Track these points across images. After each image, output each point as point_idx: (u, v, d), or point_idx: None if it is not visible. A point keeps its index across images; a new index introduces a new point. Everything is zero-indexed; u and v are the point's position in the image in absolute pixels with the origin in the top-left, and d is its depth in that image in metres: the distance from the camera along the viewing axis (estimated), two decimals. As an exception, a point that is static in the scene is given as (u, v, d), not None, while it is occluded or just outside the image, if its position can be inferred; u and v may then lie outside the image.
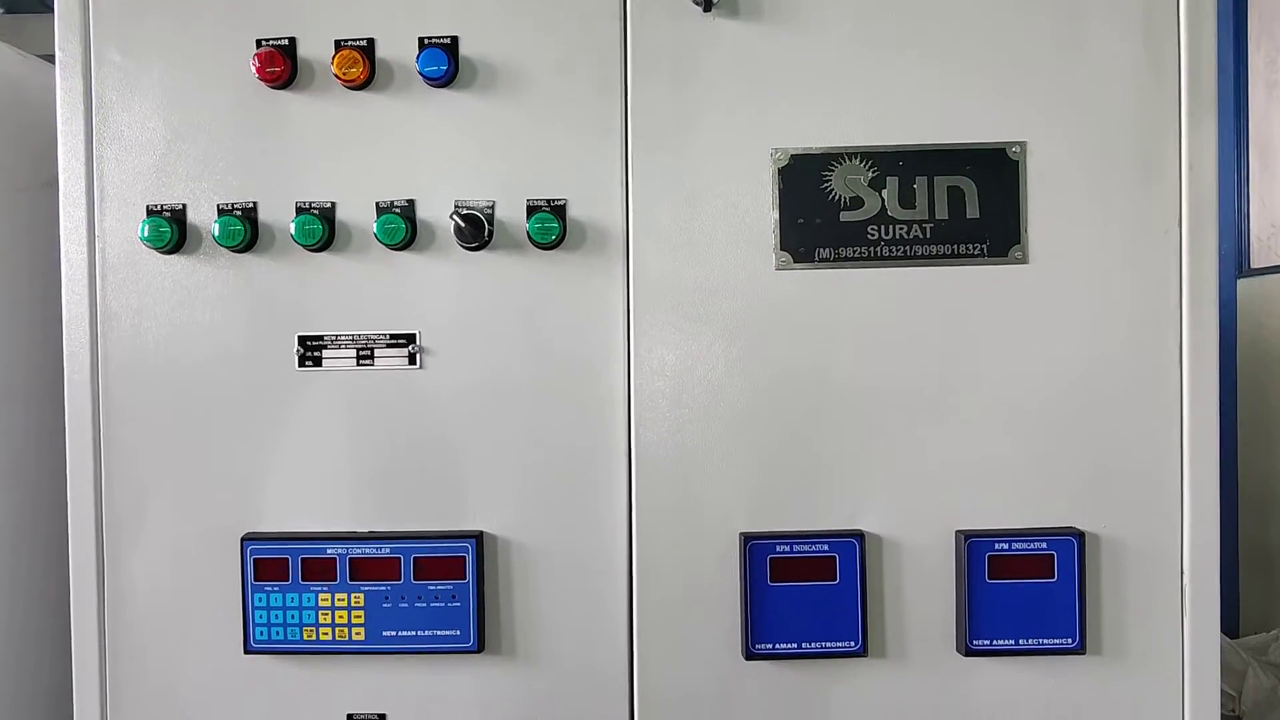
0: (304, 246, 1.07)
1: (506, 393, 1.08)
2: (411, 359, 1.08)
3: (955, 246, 1.06)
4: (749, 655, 1.04)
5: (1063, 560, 1.04)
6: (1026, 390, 1.06)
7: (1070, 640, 1.04)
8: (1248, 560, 2.76)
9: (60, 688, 1.13)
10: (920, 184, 1.05)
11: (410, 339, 1.08)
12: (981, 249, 1.06)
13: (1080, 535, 1.04)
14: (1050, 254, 1.06)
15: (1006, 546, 1.04)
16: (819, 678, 1.06)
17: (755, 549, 1.04)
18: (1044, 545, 1.04)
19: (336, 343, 1.09)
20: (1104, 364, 1.06)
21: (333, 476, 1.09)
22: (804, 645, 1.04)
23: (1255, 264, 3.03)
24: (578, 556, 1.08)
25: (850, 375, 1.06)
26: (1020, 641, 1.04)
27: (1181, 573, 1.06)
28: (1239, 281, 2.99)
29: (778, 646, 1.04)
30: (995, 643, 1.04)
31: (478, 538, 1.07)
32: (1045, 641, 1.04)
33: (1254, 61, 3.01)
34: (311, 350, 1.09)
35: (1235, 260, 3.04)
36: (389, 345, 1.08)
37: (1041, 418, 1.06)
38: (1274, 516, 2.72)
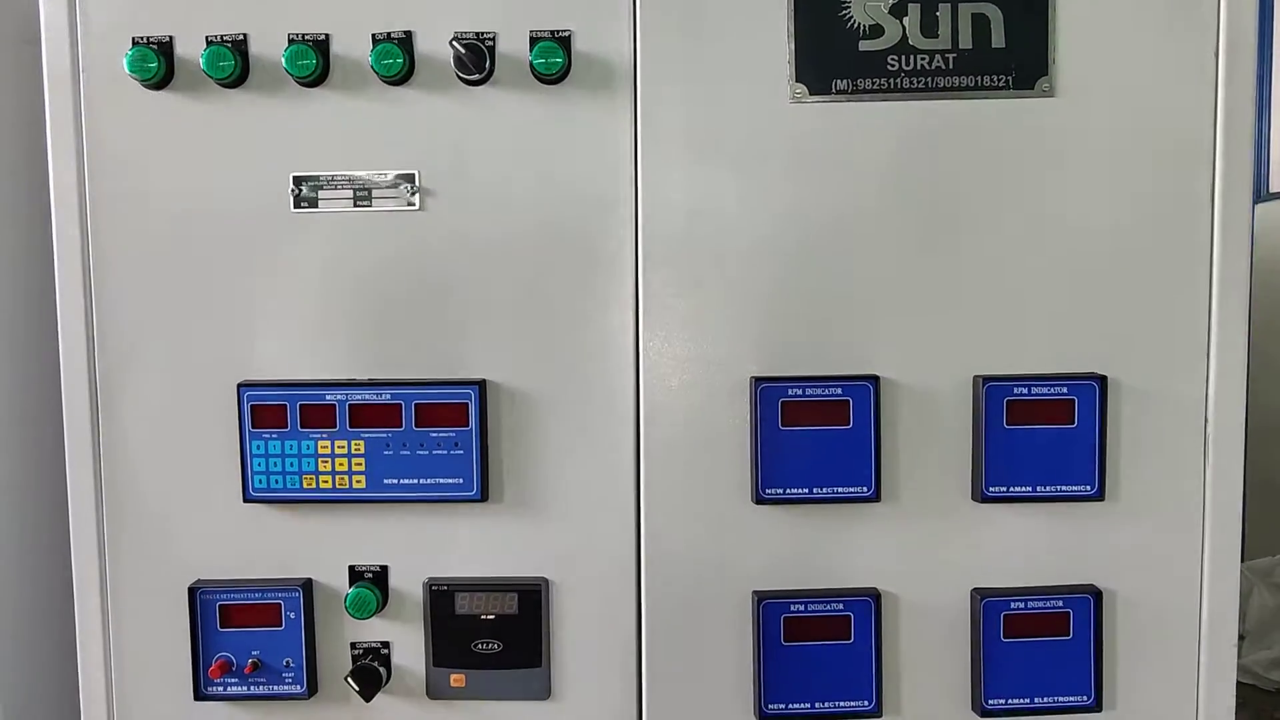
0: (297, 80, 1.02)
1: (509, 235, 1.04)
2: (411, 200, 1.04)
3: (979, 78, 1.00)
4: (758, 500, 1.02)
5: (1083, 406, 1.01)
6: (1050, 232, 1.02)
7: (1089, 487, 1.01)
8: (1254, 485, 2.74)
9: (60, 545, 1.12)
10: (943, 11, 1.00)
11: (409, 179, 1.04)
12: (1007, 80, 1.01)
13: (1102, 380, 1.01)
14: (1079, 88, 1.01)
15: (1026, 391, 1.01)
16: (830, 523, 1.03)
17: (766, 392, 1.01)
18: (1065, 390, 1.01)
19: (333, 183, 1.04)
20: (1132, 206, 1.02)
21: (331, 323, 1.05)
22: (815, 490, 1.01)
23: (1275, 188, 2.95)
24: (584, 404, 1.05)
25: (867, 213, 1.02)
26: (1037, 488, 1.01)
27: (1205, 421, 1.03)
28: (1256, 207, 2.91)
29: (788, 491, 1.01)
30: (1012, 489, 1.01)
31: (481, 385, 1.04)
32: (1063, 488, 1.01)
33: (1282, -28, 2.90)
34: (307, 191, 1.05)
35: (1254, 184, 2.96)
36: (388, 186, 1.04)
37: (1066, 261, 1.02)
38: (1283, 442, 2.68)
